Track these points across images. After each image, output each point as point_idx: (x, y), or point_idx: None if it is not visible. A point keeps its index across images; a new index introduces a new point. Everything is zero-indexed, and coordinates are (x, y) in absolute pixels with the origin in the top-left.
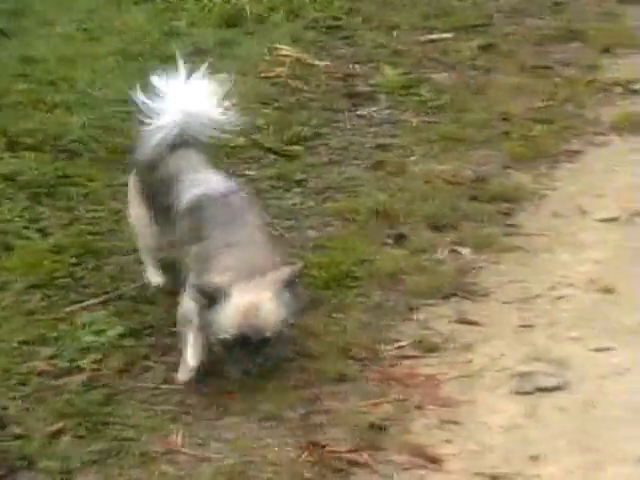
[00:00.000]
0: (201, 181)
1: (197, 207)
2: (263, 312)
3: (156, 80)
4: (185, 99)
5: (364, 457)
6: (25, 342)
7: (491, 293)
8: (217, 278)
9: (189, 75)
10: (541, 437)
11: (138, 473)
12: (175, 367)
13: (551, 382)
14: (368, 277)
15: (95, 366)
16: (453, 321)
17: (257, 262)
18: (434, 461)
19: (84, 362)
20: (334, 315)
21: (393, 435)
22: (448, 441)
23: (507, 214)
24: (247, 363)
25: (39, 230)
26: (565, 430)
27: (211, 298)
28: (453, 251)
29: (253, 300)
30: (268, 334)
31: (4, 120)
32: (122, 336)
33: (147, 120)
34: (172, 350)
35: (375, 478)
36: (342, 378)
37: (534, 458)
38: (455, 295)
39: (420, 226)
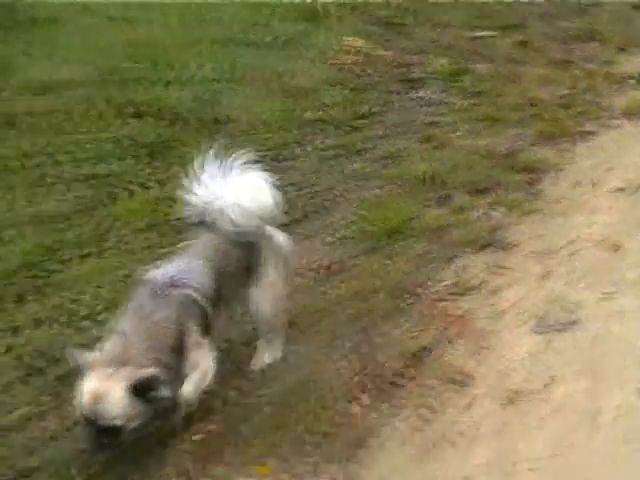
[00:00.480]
0: (167, 265)
1: (137, 287)
2: (107, 400)
3: (209, 165)
4: (222, 191)
5: (411, 373)
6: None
7: (517, 246)
8: (85, 357)
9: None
10: (556, 364)
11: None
12: None
13: (565, 321)
14: (415, 231)
15: None
16: (485, 268)
17: (128, 354)
18: (467, 379)
19: None
20: (386, 261)
21: (434, 358)
22: (478, 364)
23: (532, 183)
24: (92, 443)
25: (157, 181)
26: (576, 360)
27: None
28: (487, 212)
29: (100, 387)
30: (110, 422)
31: (128, 92)
32: None
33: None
34: None
35: (418, 391)
36: (392, 312)
37: (550, 380)
38: (488, 247)
39: (460, 190)
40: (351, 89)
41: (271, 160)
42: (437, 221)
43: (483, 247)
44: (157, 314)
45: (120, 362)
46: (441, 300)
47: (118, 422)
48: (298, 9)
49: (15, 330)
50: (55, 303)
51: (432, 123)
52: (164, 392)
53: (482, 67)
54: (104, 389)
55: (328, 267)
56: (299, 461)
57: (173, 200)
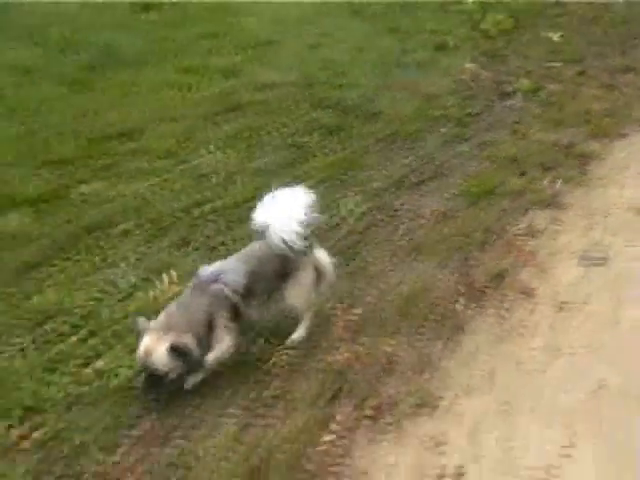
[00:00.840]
0: (215, 264)
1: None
2: (154, 355)
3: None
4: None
5: (494, 286)
6: None
7: (570, 207)
8: (146, 323)
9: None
10: (591, 288)
11: None
12: None
13: (600, 258)
14: (502, 193)
15: None
16: (548, 220)
17: (172, 325)
18: (531, 292)
19: None
20: (481, 212)
21: (510, 277)
22: (540, 283)
23: (583, 165)
24: (144, 386)
25: (333, 150)
26: (606, 286)
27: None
28: (551, 183)
29: (150, 345)
30: (154, 371)
31: (317, 91)
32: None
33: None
34: None
35: (498, 298)
36: (483, 245)
37: (586, 298)
38: (550, 206)
39: (534, 168)
40: (463, 97)
41: (409, 141)
42: (517, 187)
43: (547, 206)
44: (196, 301)
45: (169, 328)
46: (517, 239)
47: (160, 372)
48: (432, 42)
49: None
50: None
51: (516, 122)
52: (193, 354)
53: (553, 87)
54: (153, 347)
55: (444, 213)
56: (416, 338)
57: (344, 161)
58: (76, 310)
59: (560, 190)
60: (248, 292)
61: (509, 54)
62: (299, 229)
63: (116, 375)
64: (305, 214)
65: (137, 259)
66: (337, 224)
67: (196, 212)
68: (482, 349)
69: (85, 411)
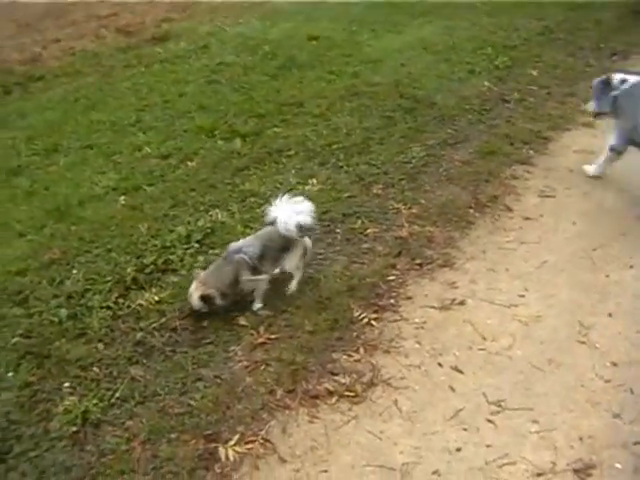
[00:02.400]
0: (241, 240)
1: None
2: (192, 298)
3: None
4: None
5: (489, 204)
6: None
7: (536, 166)
8: (196, 274)
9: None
10: (544, 210)
11: None
12: None
13: (550, 195)
14: (499, 154)
15: None
16: (522, 171)
17: (207, 280)
18: (510, 210)
19: None
20: (487, 164)
21: (499, 200)
22: (515, 205)
23: (545, 143)
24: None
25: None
26: (552, 209)
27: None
28: (527, 150)
29: (192, 291)
30: (194, 306)
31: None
32: None
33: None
34: None
35: (491, 211)
36: (487, 180)
37: (540, 215)
38: (525, 164)
39: (518, 141)
40: (483, 99)
41: (450, 121)
42: (507, 151)
43: (523, 163)
44: (224, 266)
45: (203, 283)
46: (505, 179)
47: (196, 308)
48: (467, 69)
49: None
50: None
51: (510, 116)
52: (215, 302)
53: (531, 99)
54: (192, 292)
55: (467, 161)
56: (446, 226)
57: (413, 129)
58: (263, 190)
59: (531, 155)
60: (261, 258)
61: (508, 79)
62: (295, 224)
63: None
64: (303, 216)
65: (297, 170)
66: (408, 161)
67: (332, 147)
68: (481, 236)
69: None
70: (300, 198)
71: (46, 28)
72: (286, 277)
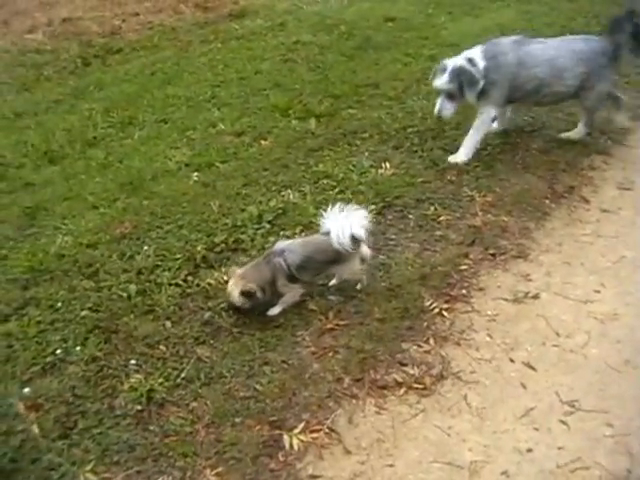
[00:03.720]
0: (285, 242)
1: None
2: (232, 294)
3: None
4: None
5: (565, 194)
6: None
7: (614, 157)
8: (233, 270)
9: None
10: (622, 203)
11: None
12: None
13: (628, 187)
14: (577, 145)
15: None
16: (600, 162)
17: (247, 276)
18: (587, 201)
19: None
20: (565, 153)
21: (575, 191)
22: (593, 196)
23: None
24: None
25: None
26: (631, 202)
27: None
28: (605, 141)
29: (231, 286)
30: (234, 303)
31: None
32: None
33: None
34: None
35: (568, 202)
36: (564, 170)
37: (619, 208)
38: (602, 154)
39: (596, 137)
40: None
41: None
42: (585, 142)
43: (600, 154)
44: (265, 265)
45: (242, 277)
46: (582, 170)
47: (238, 304)
48: None
49: None
50: None
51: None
52: (256, 298)
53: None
54: (232, 288)
55: (544, 149)
56: (522, 215)
57: None
58: (336, 172)
59: (609, 145)
60: (300, 268)
61: None
62: (350, 237)
63: None
64: (357, 228)
65: (371, 152)
66: (483, 148)
67: (406, 131)
68: (556, 228)
69: None
70: (354, 207)
71: (126, 2)
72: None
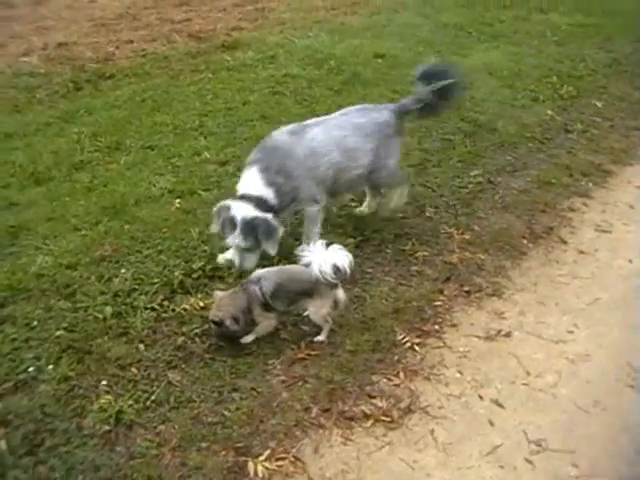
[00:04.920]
0: (260, 271)
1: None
2: (209, 321)
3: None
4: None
5: (544, 235)
6: None
7: (594, 199)
8: (216, 294)
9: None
10: (599, 245)
11: None
12: None
13: (607, 230)
14: (557, 184)
15: None
16: (580, 204)
17: (223, 306)
18: (565, 242)
19: None
20: (543, 194)
21: (554, 232)
22: (570, 238)
23: (606, 177)
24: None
25: None
26: (608, 245)
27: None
28: (586, 182)
29: (210, 312)
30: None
31: None
32: None
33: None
34: None
35: (546, 243)
36: (542, 210)
37: (596, 250)
38: (583, 196)
39: (578, 173)
40: (545, 128)
41: (511, 148)
42: (566, 182)
43: (581, 196)
44: (240, 294)
45: (219, 308)
46: (561, 212)
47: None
48: (532, 96)
49: None
50: None
51: (572, 147)
52: (225, 325)
53: (594, 131)
54: (211, 316)
55: (524, 189)
56: (498, 253)
57: (472, 153)
58: None
59: (589, 187)
60: (273, 296)
61: (572, 109)
62: (332, 266)
63: None
64: (340, 259)
65: None
66: (464, 186)
67: None
68: (533, 267)
69: None
70: (337, 246)
71: (121, 29)
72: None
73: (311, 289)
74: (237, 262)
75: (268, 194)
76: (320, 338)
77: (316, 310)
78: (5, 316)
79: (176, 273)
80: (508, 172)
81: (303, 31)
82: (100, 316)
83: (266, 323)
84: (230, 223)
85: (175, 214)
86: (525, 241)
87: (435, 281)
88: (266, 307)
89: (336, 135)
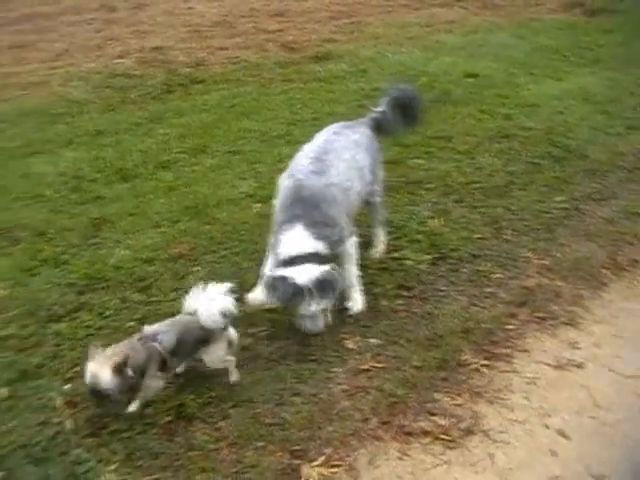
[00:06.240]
0: (156, 326)
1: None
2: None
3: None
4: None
5: (629, 267)
6: None
7: None
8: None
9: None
10: None
11: None
12: None
13: None
14: None
15: None
16: None
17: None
18: None
19: None
20: (634, 225)
21: None
22: None
23: None
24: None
25: None
26: None
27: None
28: None
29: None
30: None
31: None
32: None
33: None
34: None
35: (630, 276)
36: (630, 243)
37: None
38: None
39: None
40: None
41: (599, 174)
42: None
43: None
44: (139, 346)
45: (113, 354)
46: None
47: (107, 386)
48: (627, 124)
49: None
50: None
51: None
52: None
53: None
54: (96, 369)
55: (611, 219)
56: (578, 284)
57: (559, 179)
58: (393, 218)
59: None
60: (174, 351)
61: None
62: (219, 311)
63: None
64: (224, 302)
65: (432, 204)
66: (547, 211)
67: (471, 186)
68: (614, 300)
69: None
70: (215, 287)
71: (215, 36)
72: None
73: (205, 336)
74: (309, 326)
75: (320, 247)
76: (233, 378)
77: (213, 356)
78: (82, 303)
79: (249, 275)
80: (595, 200)
81: (396, 46)
82: (172, 311)
83: (156, 384)
84: (296, 292)
85: (254, 218)
86: (607, 272)
87: (509, 304)
88: (163, 366)
89: (348, 158)
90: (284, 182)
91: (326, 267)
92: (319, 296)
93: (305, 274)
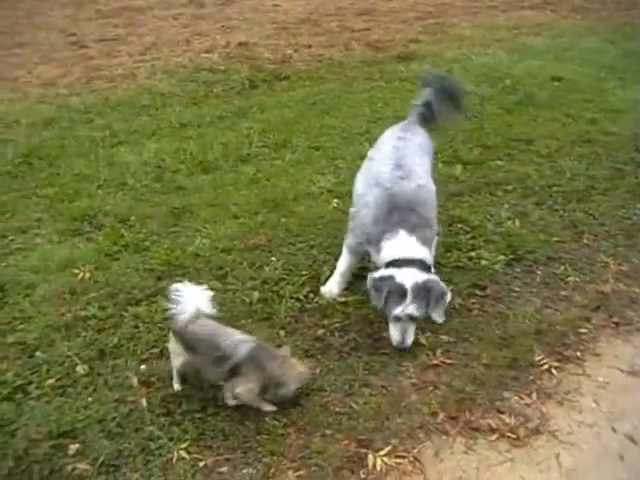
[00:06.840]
0: None
1: None
2: None
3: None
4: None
5: None
6: None
7: None
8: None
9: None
10: None
11: None
12: None
13: None
14: None
15: None
16: None
17: None
18: None
19: None
20: None
21: None
22: None
23: None
24: None
25: None
26: None
27: None
28: None
29: None
30: None
31: None
32: None
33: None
34: None
35: None
36: None
37: None
38: None
39: None
40: None
41: None
42: None
43: None
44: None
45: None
46: None
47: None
48: None
49: None
50: None
51: None
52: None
53: None
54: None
55: None
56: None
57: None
58: (472, 218)
59: None
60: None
61: None
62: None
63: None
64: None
65: (511, 205)
66: (628, 217)
67: (551, 189)
68: None
69: None
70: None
71: (301, 33)
72: None
73: None
74: (397, 338)
75: (426, 255)
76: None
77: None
78: (160, 288)
79: (324, 268)
80: None
81: (482, 48)
82: (247, 300)
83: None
84: (397, 292)
85: (331, 213)
86: None
87: (583, 308)
88: None
89: (419, 162)
90: (372, 191)
91: (433, 276)
92: (418, 302)
93: (409, 277)
